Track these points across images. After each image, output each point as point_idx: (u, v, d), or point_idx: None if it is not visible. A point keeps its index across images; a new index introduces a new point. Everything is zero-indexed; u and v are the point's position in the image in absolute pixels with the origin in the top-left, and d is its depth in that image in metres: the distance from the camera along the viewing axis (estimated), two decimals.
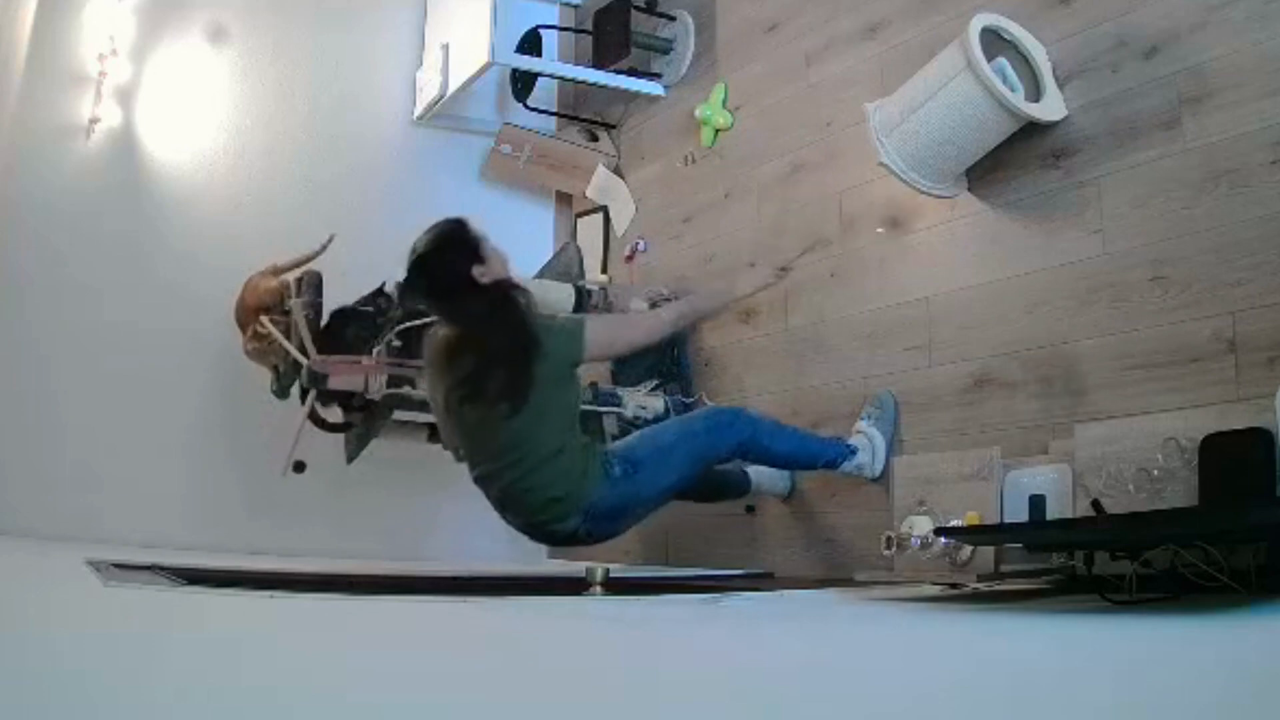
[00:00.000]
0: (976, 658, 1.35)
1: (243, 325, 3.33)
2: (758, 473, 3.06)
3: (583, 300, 3.74)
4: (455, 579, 2.98)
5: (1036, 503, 2.15)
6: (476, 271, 2.40)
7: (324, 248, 3.39)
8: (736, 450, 2.68)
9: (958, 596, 2.12)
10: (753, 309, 3.45)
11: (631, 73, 4.07)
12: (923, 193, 2.74)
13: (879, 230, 3.09)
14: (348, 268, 3.49)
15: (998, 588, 2.12)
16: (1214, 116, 2.31)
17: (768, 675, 1.15)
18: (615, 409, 3.29)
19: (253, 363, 3.37)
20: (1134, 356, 2.40)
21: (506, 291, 2.45)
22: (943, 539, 2.17)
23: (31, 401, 3.55)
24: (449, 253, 2.43)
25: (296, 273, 3.35)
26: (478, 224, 2.50)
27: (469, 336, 2.46)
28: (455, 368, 2.46)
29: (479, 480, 2.58)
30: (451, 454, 2.67)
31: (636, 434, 2.75)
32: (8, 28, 3.82)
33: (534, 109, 4.35)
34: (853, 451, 2.80)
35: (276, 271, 3.35)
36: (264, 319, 3.25)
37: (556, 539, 2.59)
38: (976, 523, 2.18)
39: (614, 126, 4.29)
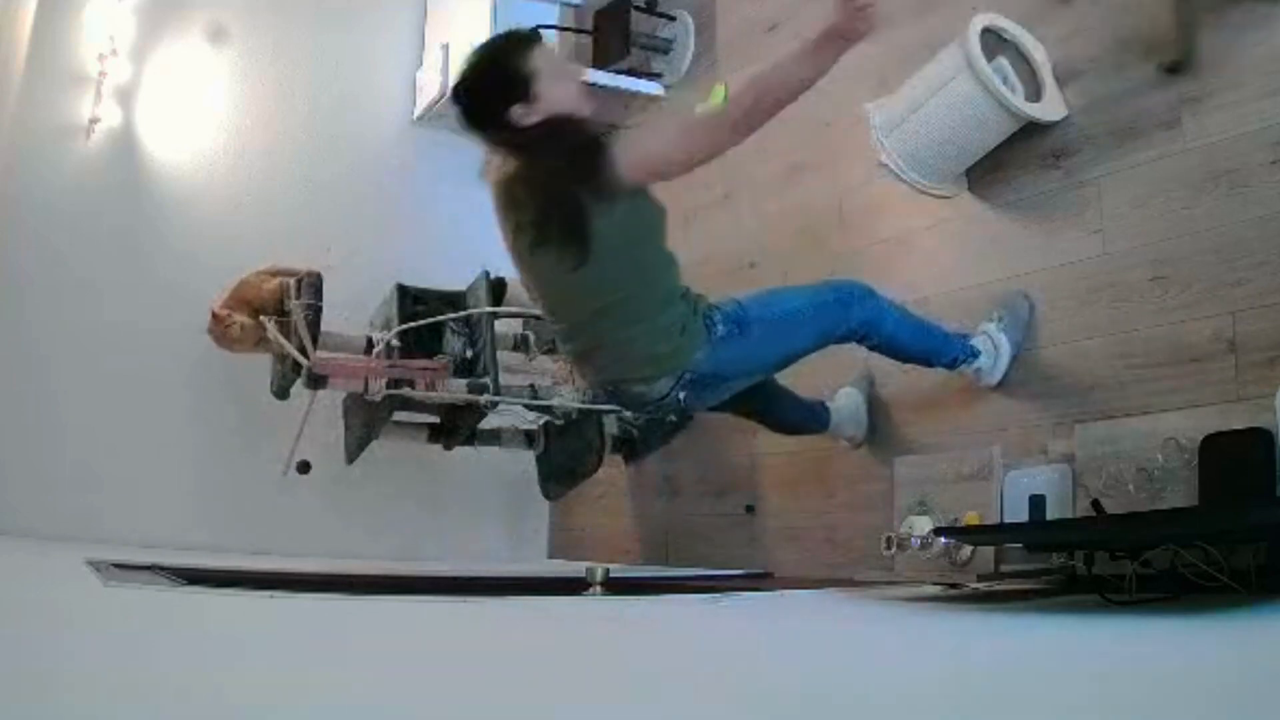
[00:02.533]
0: (976, 658, 1.35)
1: (228, 312, 3.31)
2: (838, 412, 2.90)
3: None
4: (455, 579, 2.98)
5: (1036, 503, 2.15)
6: (517, 113, 2.07)
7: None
8: (859, 329, 2.40)
9: (958, 596, 2.12)
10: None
11: (631, 73, 4.07)
12: (923, 193, 2.74)
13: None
14: (348, 267, 3.50)
15: (998, 588, 2.12)
16: (1214, 116, 2.31)
17: (767, 675, 1.15)
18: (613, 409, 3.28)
19: (222, 349, 3.35)
20: (1134, 356, 2.40)
21: (556, 128, 2.08)
22: (943, 539, 2.17)
23: (31, 401, 3.55)
24: (483, 90, 2.13)
25: (286, 280, 3.35)
26: (545, 44, 2.16)
27: (522, 174, 2.16)
28: (514, 210, 2.19)
29: (561, 336, 2.33)
30: (545, 314, 2.36)
31: (750, 292, 2.37)
32: (8, 28, 3.82)
33: None
34: (975, 354, 2.61)
35: (274, 274, 3.36)
36: (264, 319, 3.25)
37: (643, 404, 2.26)
38: (976, 523, 2.18)
39: (614, 126, 4.28)
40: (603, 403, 2.38)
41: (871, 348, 2.51)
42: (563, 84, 2.12)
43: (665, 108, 4.03)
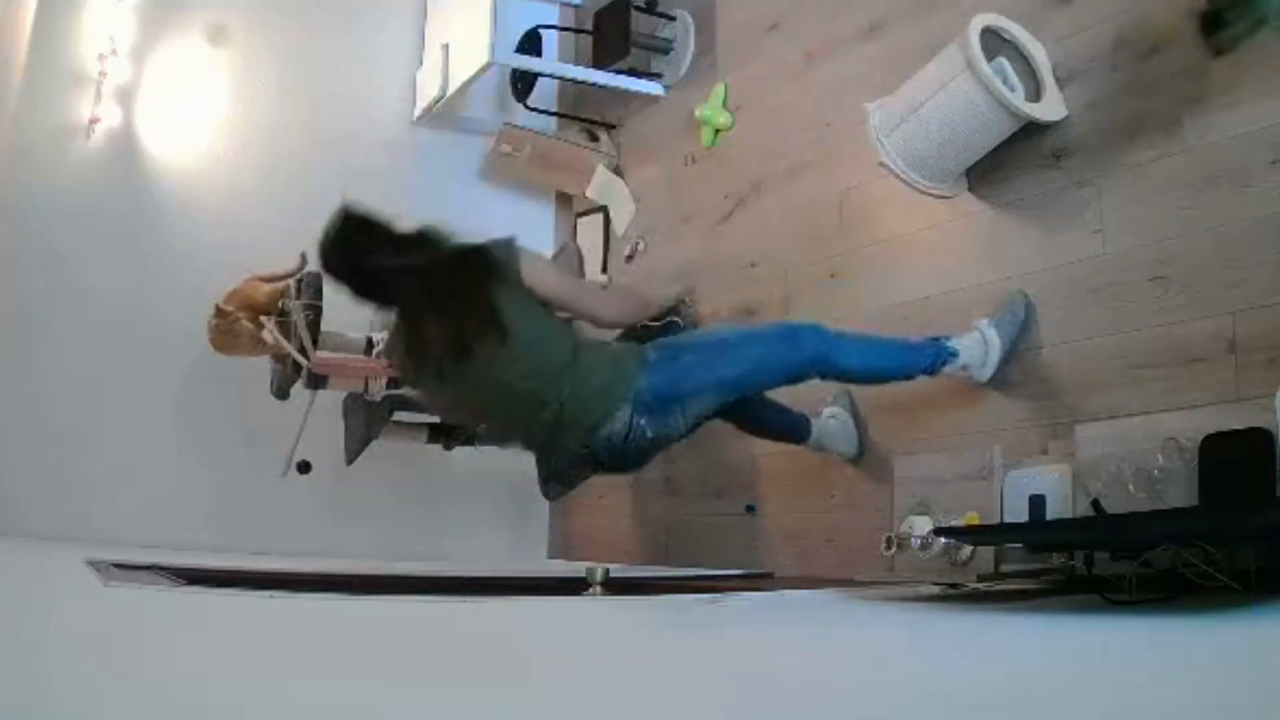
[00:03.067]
0: (975, 658, 1.35)
1: (227, 332, 3.31)
2: (822, 429, 2.92)
3: None
4: (455, 579, 2.98)
5: (1036, 503, 2.15)
6: (386, 257, 2.26)
7: (300, 268, 3.37)
8: (815, 360, 2.44)
9: (958, 596, 2.12)
10: (752, 309, 3.45)
11: (631, 73, 4.07)
12: (923, 193, 2.74)
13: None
14: None
15: (998, 588, 2.11)
16: (1214, 116, 2.31)
17: (767, 675, 1.15)
18: None
19: (219, 350, 3.35)
20: (1134, 356, 2.40)
21: (421, 258, 2.29)
22: (943, 539, 2.17)
23: (31, 401, 3.55)
24: (352, 254, 2.30)
25: (281, 285, 3.34)
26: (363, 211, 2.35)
27: (418, 302, 2.30)
28: (424, 331, 2.30)
29: (522, 434, 2.43)
30: (493, 437, 2.53)
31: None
32: (8, 28, 3.82)
33: (534, 109, 4.35)
34: (953, 354, 2.58)
35: (268, 279, 3.35)
36: (264, 319, 3.25)
37: (617, 445, 2.32)
38: (976, 523, 2.18)
39: (614, 126, 4.29)
40: (591, 468, 2.45)
41: (836, 378, 2.59)
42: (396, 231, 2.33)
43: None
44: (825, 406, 2.99)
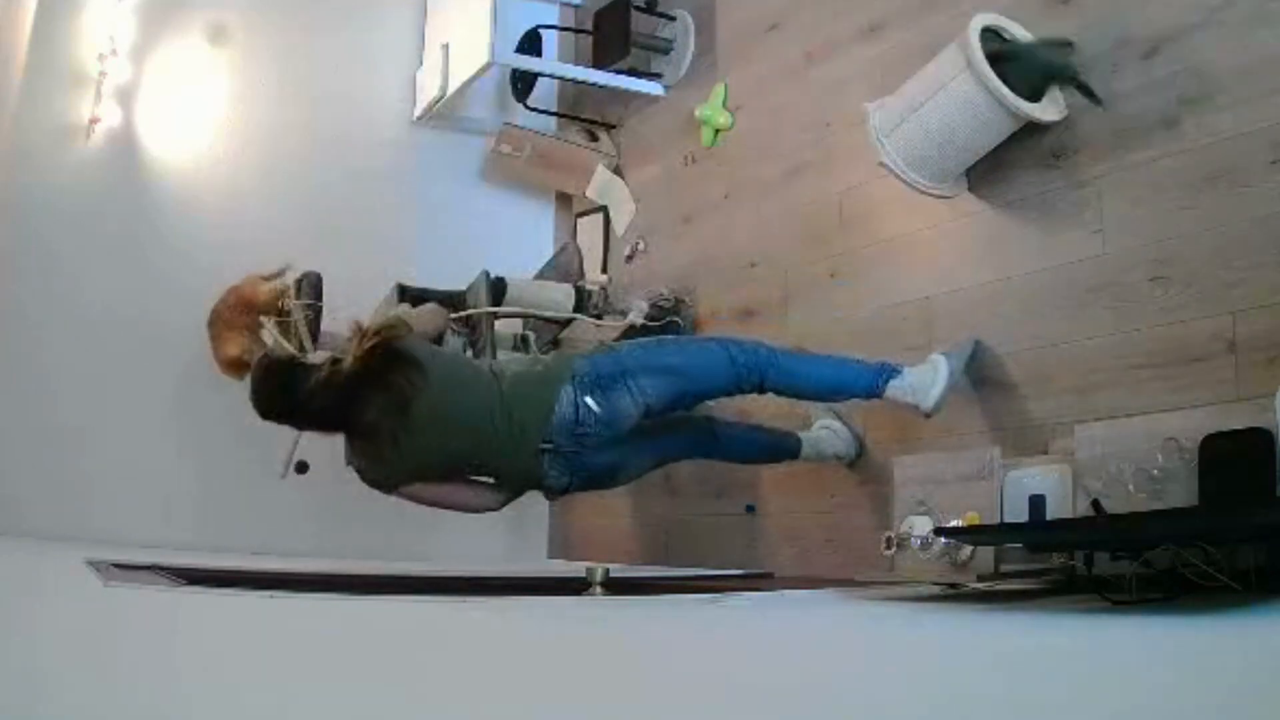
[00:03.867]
0: (976, 657, 1.35)
1: (229, 326, 3.31)
2: (814, 440, 2.93)
3: (583, 300, 3.74)
4: (455, 579, 2.98)
5: (1036, 503, 2.15)
6: (309, 387, 2.36)
7: (279, 276, 3.38)
8: (753, 372, 2.52)
9: (958, 596, 2.12)
10: (752, 309, 3.45)
11: (631, 73, 4.07)
12: (923, 193, 2.74)
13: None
14: (348, 267, 3.50)
15: (998, 588, 2.11)
16: (1214, 116, 2.31)
17: (767, 675, 1.15)
18: None
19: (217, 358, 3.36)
20: (1134, 356, 2.40)
21: (328, 380, 2.37)
22: (943, 539, 2.17)
23: (32, 401, 3.55)
24: (282, 393, 2.41)
25: (280, 284, 3.34)
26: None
27: (359, 402, 2.38)
28: (376, 423, 2.39)
29: (489, 463, 2.48)
30: (475, 501, 2.62)
31: None
32: (8, 28, 3.82)
33: (534, 109, 4.35)
34: (896, 371, 2.56)
35: (266, 278, 3.35)
36: (264, 319, 3.25)
37: (582, 438, 2.39)
38: (976, 523, 2.18)
39: (614, 126, 4.29)
40: (583, 481, 2.53)
41: (777, 392, 2.61)
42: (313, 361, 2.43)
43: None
44: (814, 421, 3.01)
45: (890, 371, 2.57)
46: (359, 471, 2.50)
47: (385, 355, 2.36)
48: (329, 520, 3.77)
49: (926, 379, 2.57)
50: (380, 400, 2.35)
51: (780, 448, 2.94)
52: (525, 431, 2.38)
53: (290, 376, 2.39)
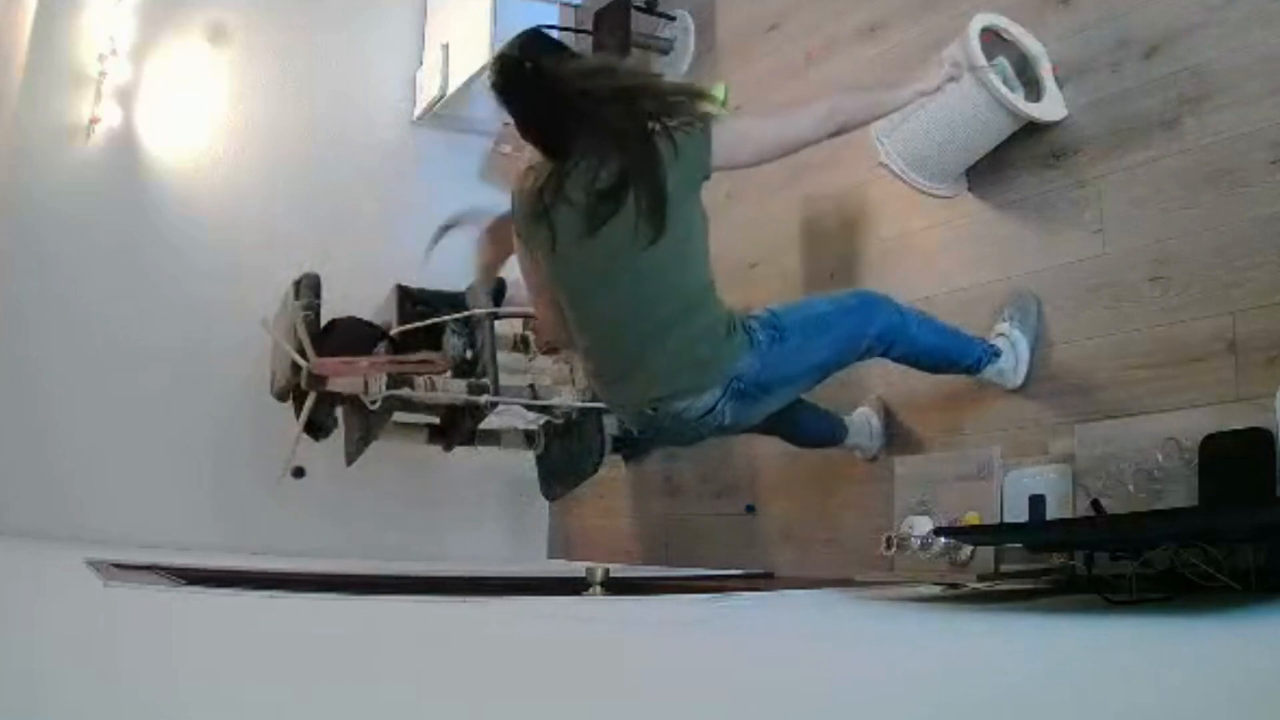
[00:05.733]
0: (976, 658, 1.35)
1: None
2: (854, 427, 2.86)
3: None
4: (455, 579, 2.98)
5: (1036, 503, 2.15)
6: (569, 63, 2.05)
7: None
8: (884, 335, 2.31)
9: (958, 596, 2.12)
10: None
11: None
12: (923, 193, 2.74)
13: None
14: (348, 268, 3.50)
15: (998, 588, 2.12)
16: (1214, 116, 2.31)
17: (767, 675, 1.15)
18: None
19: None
20: (1134, 356, 2.40)
21: (620, 77, 2.06)
22: (943, 539, 2.17)
23: (31, 401, 3.55)
24: (537, 44, 2.10)
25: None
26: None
27: (592, 140, 2.03)
28: (573, 186, 2.03)
29: (595, 356, 2.19)
30: (559, 340, 2.31)
31: (779, 303, 2.33)
32: (8, 28, 3.82)
33: None
34: (997, 354, 2.52)
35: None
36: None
37: (685, 422, 2.13)
38: (976, 523, 2.18)
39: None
40: (640, 432, 2.28)
41: (896, 358, 2.42)
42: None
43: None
44: (859, 406, 2.94)
45: (992, 353, 2.53)
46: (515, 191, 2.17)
47: (659, 163, 1.99)
48: (329, 520, 3.78)
49: (1010, 360, 2.55)
50: (611, 173, 2.01)
51: (833, 433, 2.81)
52: (643, 381, 2.14)
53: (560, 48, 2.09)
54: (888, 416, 2.93)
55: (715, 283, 2.15)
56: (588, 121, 2.03)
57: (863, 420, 2.92)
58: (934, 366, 2.54)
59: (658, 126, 2.02)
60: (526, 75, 2.04)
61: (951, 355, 2.50)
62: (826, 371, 2.26)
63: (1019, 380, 2.57)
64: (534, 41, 2.12)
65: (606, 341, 2.16)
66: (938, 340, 2.45)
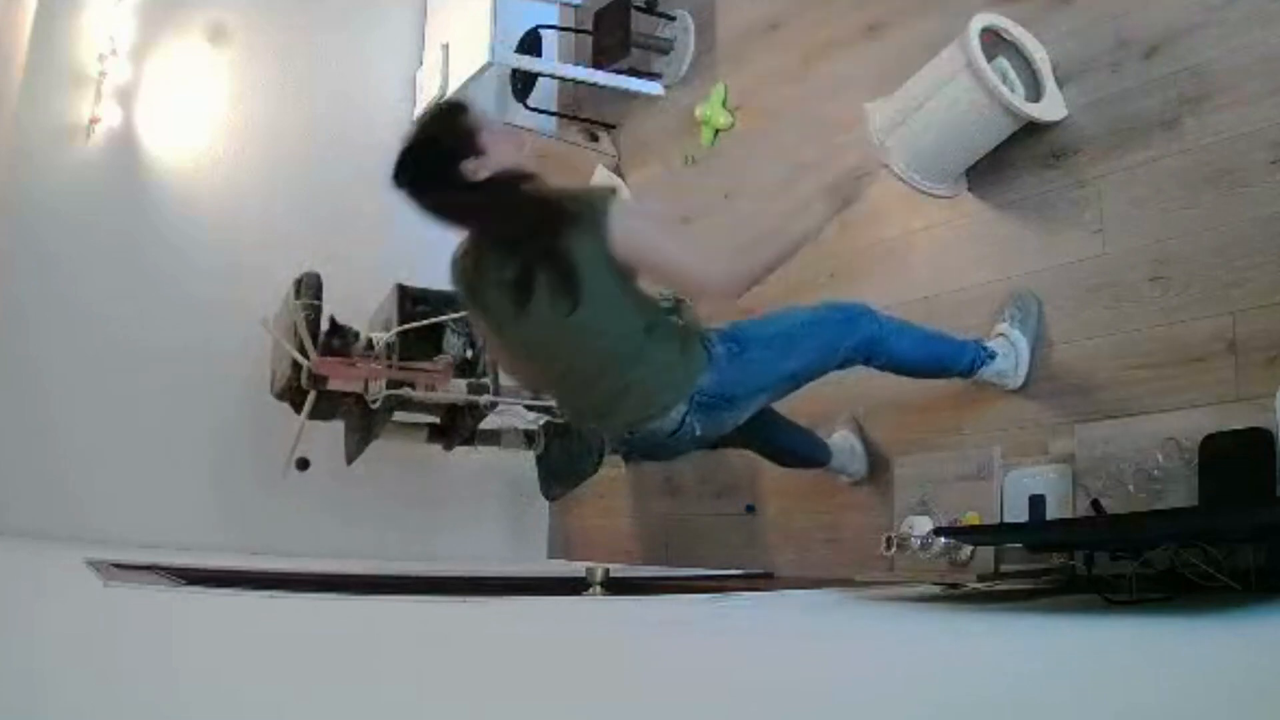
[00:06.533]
0: (976, 658, 1.35)
1: None
2: (837, 448, 2.88)
3: None
4: (455, 579, 2.98)
5: (1036, 503, 2.15)
6: (469, 168, 2.05)
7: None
8: (861, 347, 2.32)
9: (958, 596, 2.12)
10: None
11: (631, 73, 4.07)
12: (923, 193, 2.74)
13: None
14: (348, 268, 3.50)
15: (998, 588, 2.11)
16: (1214, 116, 2.31)
17: (767, 675, 1.15)
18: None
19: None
20: (1134, 356, 2.40)
21: (508, 183, 2.08)
22: (943, 539, 2.17)
23: (31, 401, 3.55)
24: (432, 152, 2.10)
25: None
26: (478, 109, 2.15)
27: (494, 233, 2.13)
28: (490, 273, 2.12)
29: (564, 399, 2.33)
30: (531, 389, 2.42)
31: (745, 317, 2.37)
32: (8, 28, 3.82)
33: (534, 109, 4.35)
34: (991, 356, 2.54)
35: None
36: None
37: (660, 440, 2.19)
38: (976, 523, 2.18)
39: (614, 126, 4.29)
40: (625, 452, 2.35)
41: (879, 366, 2.43)
42: (506, 138, 2.14)
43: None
44: (836, 429, 2.97)
45: (986, 355, 2.55)
46: (457, 270, 2.23)
47: (557, 239, 2.04)
48: (328, 520, 3.78)
49: (1010, 360, 2.57)
50: (515, 273, 2.07)
51: (815, 453, 2.84)
52: (619, 413, 2.20)
53: (458, 149, 2.06)
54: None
55: (659, 314, 2.22)
56: (483, 227, 2.14)
57: (844, 444, 2.94)
58: (918, 375, 2.56)
59: (550, 233, 2.06)
60: (419, 183, 2.13)
61: (941, 363, 2.52)
62: (799, 381, 2.28)
63: (1019, 380, 2.59)
64: (438, 129, 2.13)
65: (570, 391, 2.29)
66: (920, 351, 2.47)
